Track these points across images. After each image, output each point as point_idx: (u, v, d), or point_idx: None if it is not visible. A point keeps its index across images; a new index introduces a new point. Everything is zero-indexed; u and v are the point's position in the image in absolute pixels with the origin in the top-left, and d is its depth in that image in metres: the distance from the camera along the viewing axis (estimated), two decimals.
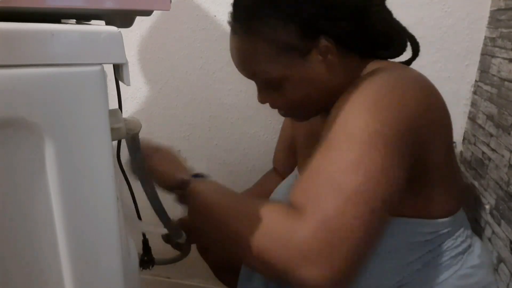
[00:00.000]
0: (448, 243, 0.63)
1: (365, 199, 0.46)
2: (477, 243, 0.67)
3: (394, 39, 0.66)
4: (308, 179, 0.51)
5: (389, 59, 0.67)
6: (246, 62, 0.63)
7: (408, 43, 0.68)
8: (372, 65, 0.64)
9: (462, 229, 0.65)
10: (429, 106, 0.56)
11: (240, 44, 0.62)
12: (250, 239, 0.49)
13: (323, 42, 0.59)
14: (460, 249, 0.64)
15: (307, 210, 0.47)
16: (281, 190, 0.81)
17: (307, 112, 0.68)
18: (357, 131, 0.49)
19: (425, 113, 0.54)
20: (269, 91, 0.65)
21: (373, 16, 0.62)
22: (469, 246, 0.65)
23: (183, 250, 0.82)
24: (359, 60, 0.65)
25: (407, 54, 0.69)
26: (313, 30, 0.59)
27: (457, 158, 1.01)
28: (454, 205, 0.64)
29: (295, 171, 0.81)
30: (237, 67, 0.66)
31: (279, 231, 0.47)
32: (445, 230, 0.62)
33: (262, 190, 0.92)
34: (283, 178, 0.91)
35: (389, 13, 0.65)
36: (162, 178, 0.64)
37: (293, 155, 0.87)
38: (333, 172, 0.48)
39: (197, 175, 0.66)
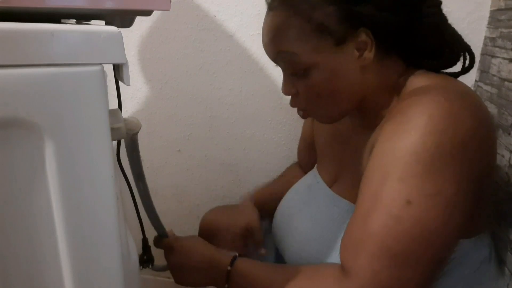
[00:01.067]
0: (467, 255, 0.58)
1: (418, 264, 0.47)
2: (494, 253, 0.63)
3: (446, 48, 0.59)
4: (356, 233, 0.50)
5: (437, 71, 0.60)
6: (276, 37, 0.58)
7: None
8: (417, 78, 0.57)
9: (483, 242, 0.61)
10: (483, 128, 0.51)
11: (273, 19, 0.57)
12: None
13: (363, 36, 0.54)
14: (478, 260, 0.60)
15: (354, 275, 0.48)
16: (297, 188, 0.78)
17: (330, 113, 0.62)
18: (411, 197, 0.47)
19: (479, 136, 0.50)
20: (295, 80, 0.60)
21: (426, 18, 0.56)
22: (489, 256, 0.61)
23: None
24: (401, 67, 0.60)
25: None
26: (354, 17, 0.54)
27: None
28: (480, 225, 0.60)
29: (314, 170, 0.78)
30: (265, 46, 0.61)
31: None
32: (482, 252, 0.59)
33: (284, 182, 0.89)
34: (306, 172, 0.88)
35: (444, 18, 0.59)
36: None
37: (314, 153, 0.83)
38: (383, 235, 0.48)
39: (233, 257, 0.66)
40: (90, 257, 0.39)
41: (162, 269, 0.77)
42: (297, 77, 0.59)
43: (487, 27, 0.90)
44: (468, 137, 0.48)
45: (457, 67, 0.62)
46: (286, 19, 0.56)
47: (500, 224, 0.73)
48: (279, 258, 0.79)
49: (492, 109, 0.82)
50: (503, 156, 0.75)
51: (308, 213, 0.69)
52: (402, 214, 0.47)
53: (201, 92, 1.09)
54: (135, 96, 1.13)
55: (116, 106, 0.54)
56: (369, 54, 0.56)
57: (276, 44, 0.58)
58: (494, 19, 0.86)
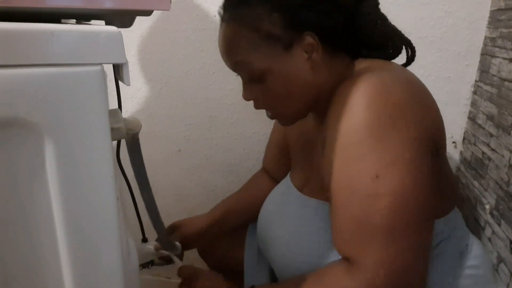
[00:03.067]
0: (445, 245, 0.62)
1: (408, 235, 0.49)
2: (475, 244, 0.67)
3: (386, 42, 0.64)
4: (347, 226, 0.52)
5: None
6: (230, 50, 0.62)
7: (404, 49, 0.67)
8: (357, 64, 0.63)
9: (457, 229, 0.65)
10: (429, 108, 0.56)
11: (226, 32, 0.62)
12: None
13: (308, 39, 0.58)
14: (456, 249, 0.64)
15: (360, 263, 0.50)
16: (273, 198, 0.79)
17: (291, 114, 0.66)
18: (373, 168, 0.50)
19: (427, 117, 0.55)
20: (253, 86, 0.64)
21: (363, 16, 0.61)
22: (466, 245, 0.65)
23: (171, 261, 0.81)
24: (348, 61, 0.64)
25: (400, 59, 0.67)
26: (297, 22, 0.58)
27: (457, 158, 1.01)
28: (448, 204, 0.64)
29: (287, 177, 0.80)
30: (222, 57, 0.65)
31: None
32: (440, 230, 0.62)
33: (251, 196, 0.92)
34: (274, 179, 0.90)
35: (382, 16, 0.64)
36: None
37: (285, 157, 0.86)
38: (366, 215, 0.50)
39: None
40: (90, 257, 0.38)
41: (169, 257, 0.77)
42: (254, 83, 0.63)
43: (487, 27, 0.90)
44: (403, 101, 0.52)
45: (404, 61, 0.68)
46: (236, 30, 0.60)
47: (500, 224, 0.73)
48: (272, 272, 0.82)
49: (492, 109, 0.82)
50: (503, 156, 0.75)
51: (283, 220, 0.71)
52: (376, 189, 0.49)
53: (201, 92, 1.09)
54: (135, 96, 1.13)
55: (116, 106, 0.54)
56: (317, 55, 0.60)
57: (232, 55, 0.63)
58: (494, 19, 0.86)
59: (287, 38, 0.58)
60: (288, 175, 0.80)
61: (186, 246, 0.85)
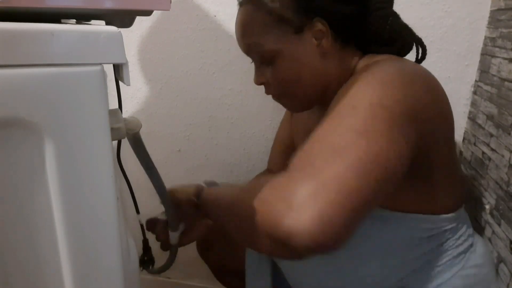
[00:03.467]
0: (450, 242, 0.63)
1: (368, 166, 0.43)
2: (479, 242, 0.67)
3: (396, 38, 0.65)
4: (308, 146, 0.48)
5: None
6: (244, 32, 0.65)
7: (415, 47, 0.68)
8: (370, 58, 0.64)
9: (464, 227, 0.65)
10: (436, 98, 0.56)
11: (241, 15, 0.65)
12: (251, 207, 0.46)
13: (318, 25, 0.60)
14: (462, 248, 0.64)
15: (306, 172, 0.44)
16: None
17: (299, 99, 0.68)
18: (362, 102, 0.48)
19: (431, 105, 0.55)
20: (264, 69, 0.66)
21: (375, 11, 0.62)
22: (471, 245, 0.65)
23: (171, 253, 0.79)
24: (358, 56, 0.65)
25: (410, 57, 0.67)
26: (309, 8, 0.60)
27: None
28: (456, 202, 0.64)
29: None
30: (237, 40, 0.68)
31: (276, 193, 0.45)
32: (448, 227, 0.62)
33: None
34: None
35: (394, 13, 0.65)
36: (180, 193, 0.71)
37: (289, 157, 0.85)
38: (335, 138, 0.46)
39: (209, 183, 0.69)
40: (90, 257, 0.38)
41: (160, 271, 0.77)
42: (265, 66, 0.66)
43: (487, 27, 0.90)
44: (415, 76, 0.54)
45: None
46: (252, 13, 0.63)
47: (500, 224, 0.73)
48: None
49: (492, 109, 0.82)
50: (503, 156, 0.75)
51: None
52: (350, 114, 0.48)
53: (201, 92, 1.09)
54: (135, 96, 1.13)
55: (116, 106, 0.54)
56: (327, 42, 0.62)
57: (246, 37, 0.65)
58: (494, 19, 0.86)
59: (298, 22, 0.61)
60: None
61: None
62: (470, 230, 0.67)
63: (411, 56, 0.67)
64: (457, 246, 0.63)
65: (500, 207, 0.74)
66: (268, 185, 0.47)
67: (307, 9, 0.60)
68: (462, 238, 0.64)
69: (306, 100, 0.68)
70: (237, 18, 0.66)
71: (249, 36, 0.65)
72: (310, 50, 0.62)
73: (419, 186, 0.59)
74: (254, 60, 0.69)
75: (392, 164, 0.45)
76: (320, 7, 0.60)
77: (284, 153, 0.91)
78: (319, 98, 0.66)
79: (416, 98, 0.52)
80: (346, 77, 0.62)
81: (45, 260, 0.38)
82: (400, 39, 0.65)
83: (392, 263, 0.62)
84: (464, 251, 0.64)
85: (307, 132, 0.76)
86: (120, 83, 0.47)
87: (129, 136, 0.49)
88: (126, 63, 0.37)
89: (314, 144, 0.48)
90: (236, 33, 0.67)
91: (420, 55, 0.68)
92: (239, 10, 0.66)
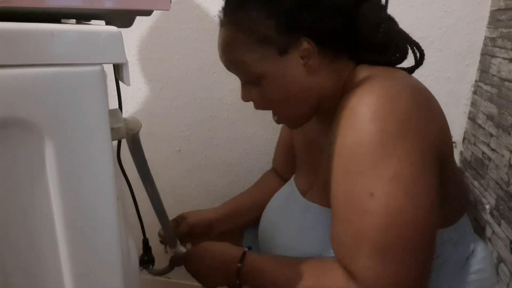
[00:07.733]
0: (451, 252, 0.62)
1: (426, 247, 0.49)
2: (480, 247, 0.66)
3: (389, 45, 0.62)
4: (344, 240, 0.52)
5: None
6: (227, 52, 0.63)
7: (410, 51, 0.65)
8: (360, 71, 0.61)
9: (465, 235, 0.64)
10: (437, 119, 0.55)
11: (224, 35, 0.62)
12: None
13: (304, 44, 0.57)
14: (462, 256, 0.63)
15: (358, 278, 0.49)
16: (276, 202, 0.79)
17: (293, 117, 0.66)
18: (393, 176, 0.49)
19: (438, 130, 0.54)
20: (250, 88, 0.64)
21: (365, 19, 0.59)
22: (472, 251, 0.64)
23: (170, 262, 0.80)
24: (352, 65, 0.63)
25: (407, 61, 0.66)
26: (293, 27, 0.57)
27: (457, 158, 1.01)
28: (457, 212, 0.63)
29: (292, 180, 0.79)
30: (221, 58, 0.66)
31: None
32: (448, 238, 0.61)
33: (260, 194, 0.91)
34: (283, 179, 0.91)
35: (386, 18, 0.62)
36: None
37: (292, 159, 0.86)
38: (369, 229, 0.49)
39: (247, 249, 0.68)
40: (90, 257, 0.38)
41: (161, 272, 0.77)
42: (251, 85, 0.63)
43: (487, 27, 0.90)
44: (408, 115, 0.50)
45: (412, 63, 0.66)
46: (233, 33, 0.61)
47: (500, 224, 0.73)
48: None
49: (492, 109, 0.82)
50: (503, 156, 0.75)
51: (285, 225, 0.71)
52: (370, 207, 0.48)
53: (201, 92, 1.09)
54: (135, 96, 1.13)
55: (116, 106, 0.54)
56: (314, 61, 0.59)
57: (228, 55, 0.63)
58: (494, 19, 0.86)
59: (282, 42, 0.58)
60: (293, 177, 0.80)
61: (192, 236, 0.84)
62: (471, 237, 0.66)
63: (410, 58, 0.66)
64: (457, 255, 0.62)
65: (500, 207, 0.74)
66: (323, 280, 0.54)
67: (291, 29, 0.57)
68: (463, 246, 0.63)
69: (301, 117, 0.66)
70: (219, 36, 0.64)
71: (231, 54, 0.62)
72: (297, 70, 0.59)
73: None
74: (239, 77, 0.66)
75: (426, 228, 0.50)
76: (304, 25, 0.57)
77: (286, 156, 0.91)
78: (315, 112, 0.65)
79: (429, 133, 0.51)
80: (339, 87, 0.61)
81: (45, 260, 0.38)
82: (394, 47, 0.62)
83: None
84: (466, 258, 0.63)
85: (305, 140, 0.77)
86: (120, 83, 0.47)
87: (128, 137, 0.49)
88: (126, 63, 0.37)
89: (349, 238, 0.51)
90: (219, 52, 0.65)
91: (418, 59, 0.65)
92: (221, 29, 0.64)
